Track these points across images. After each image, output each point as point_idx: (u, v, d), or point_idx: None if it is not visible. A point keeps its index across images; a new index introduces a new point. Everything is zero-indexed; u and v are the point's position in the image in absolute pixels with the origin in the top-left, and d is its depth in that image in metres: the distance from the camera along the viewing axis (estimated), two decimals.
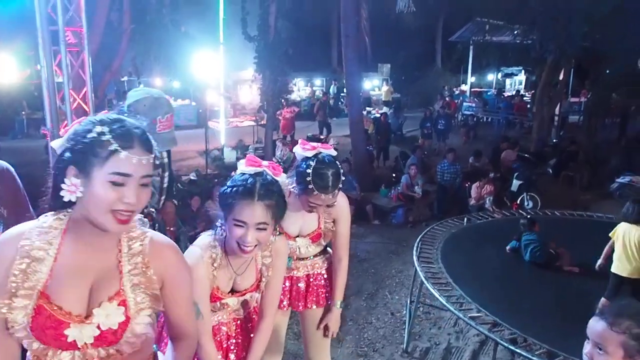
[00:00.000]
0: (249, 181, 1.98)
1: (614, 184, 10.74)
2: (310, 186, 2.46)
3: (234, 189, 1.99)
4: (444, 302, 4.39)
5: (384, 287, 6.45)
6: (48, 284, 1.41)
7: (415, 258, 5.17)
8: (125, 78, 16.94)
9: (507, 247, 5.74)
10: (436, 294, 4.50)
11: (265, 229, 1.98)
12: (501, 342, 3.83)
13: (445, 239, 5.89)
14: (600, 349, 1.71)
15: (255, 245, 2.00)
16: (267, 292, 2.28)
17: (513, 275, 5.47)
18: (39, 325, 1.39)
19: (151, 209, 2.73)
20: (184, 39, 11.73)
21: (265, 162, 2.10)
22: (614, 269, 4.76)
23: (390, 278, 6.74)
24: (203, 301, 2.08)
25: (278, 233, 2.22)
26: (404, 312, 5.54)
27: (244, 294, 2.24)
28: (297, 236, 2.79)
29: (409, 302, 5.31)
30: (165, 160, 2.98)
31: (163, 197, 3.06)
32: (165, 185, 3.03)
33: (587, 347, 1.77)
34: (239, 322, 2.34)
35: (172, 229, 6.22)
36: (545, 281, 5.27)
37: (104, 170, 1.33)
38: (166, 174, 3.01)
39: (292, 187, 2.57)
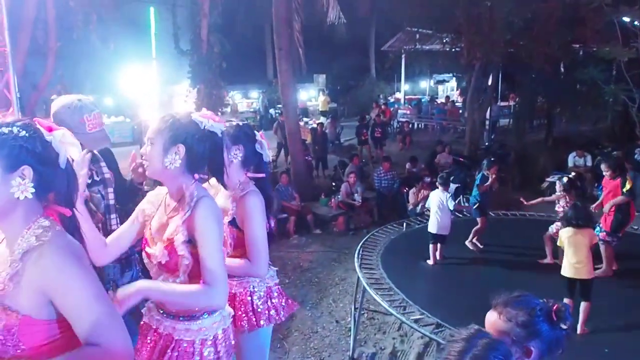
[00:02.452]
0: None
1: (545, 183, 11.26)
2: None
3: None
4: (387, 307, 4.47)
5: (328, 295, 6.49)
6: None
7: (357, 265, 5.24)
8: (54, 96, 16.36)
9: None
10: (379, 300, 4.57)
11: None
12: (443, 342, 3.93)
13: (385, 245, 6.00)
14: None
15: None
16: None
17: (454, 275, 5.63)
18: None
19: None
20: (114, 55, 11.47)
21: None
22: (565, 272, 4.76)
23: (334, 286, 6.79)
24: None
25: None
26: (349, 319, 5.60)
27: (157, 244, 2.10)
28: None
29: (353, 309, 5.37)
30: (107, 175, 2.91)
31: (113, 215, 2.96)
32: (111, 202, 2.93)
33: None
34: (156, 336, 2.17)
35: None
36: (486, 279, 5.45)
37: None
38: (110, 189, 2.93)
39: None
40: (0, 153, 1.42)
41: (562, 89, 13.78)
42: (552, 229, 5.65)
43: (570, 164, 11.24)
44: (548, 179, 11.26)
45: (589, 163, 11.14)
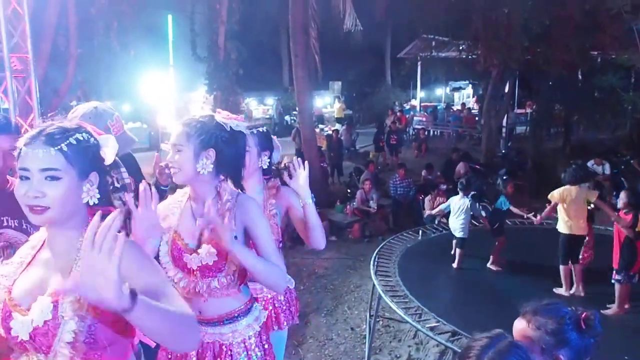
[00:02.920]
0: None
1: None
2: None
3: None
4: (403, 315, 4.45)
5: (343, 302, 6.48)
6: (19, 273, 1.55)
7: (372, 272, 5.23)
8: (74, 102, 16.60)
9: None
10: (394, 307, 4.56)
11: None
12: (459, 351, 3.90)
13: (401, 252, 5.99)
14: None
15: None
16: None
17: (470, 284, 5.60)
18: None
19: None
20: (133, 62, 11.61)
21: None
22: (562, 229, 5.37)
23: (349, 293, 6.77)
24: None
25: None
26: (364, 326, 5.58)
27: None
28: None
29: (368, 316, 5.35)
30: (127, 181, 2.92)
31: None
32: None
33: None
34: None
35: None
36: (502, 288, 5.42)
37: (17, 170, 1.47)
38: (130, 194, 2.94)
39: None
40: (78, 159, 1.46)
41: (580, 96, 13.66)
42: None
43: None
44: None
45: (607, 171, 11.00)
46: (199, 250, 2.04)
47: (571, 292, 5.41)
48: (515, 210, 6.91)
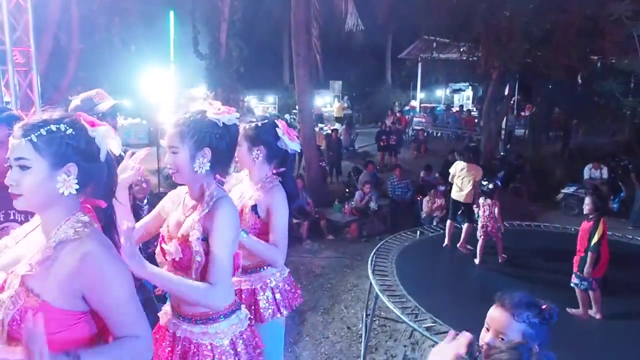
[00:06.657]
0: None
1: (560, 195, 11.15)
2: None
3: None
4: (399, 314, 4.47)
5: (340, 301, 6.50)
6: None
7: (370, 271, 5.25)
8: (74, 97, 16.58)
9: None
10: (391, 307, 4.58)
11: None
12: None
13: (399, 252, 6.01)
14: (502, 338, 1.83)
15: None
16: None
17: (467, 284, 5.62)
18: None
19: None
20: (134, 58, 11.61)
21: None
22: (453, 196, 6.46)
23: (346, 292, 6.79)
24: None
25: None
26: (360, 325, 5.61)
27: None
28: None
29: (364, 315, 5.38)
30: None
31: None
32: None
33: (486, 337, 1.89)
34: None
35: None
36: (498, 288, 5.42)
37: None
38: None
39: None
40: (49, 150, 1.49)
41: (580, 100, 13.68)
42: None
43: (585, 176, 11.14)
44: (563, 191, 11.15)
45: (605, 175, 11.02)
46: (169, 244, 2.06)
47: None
48: None
